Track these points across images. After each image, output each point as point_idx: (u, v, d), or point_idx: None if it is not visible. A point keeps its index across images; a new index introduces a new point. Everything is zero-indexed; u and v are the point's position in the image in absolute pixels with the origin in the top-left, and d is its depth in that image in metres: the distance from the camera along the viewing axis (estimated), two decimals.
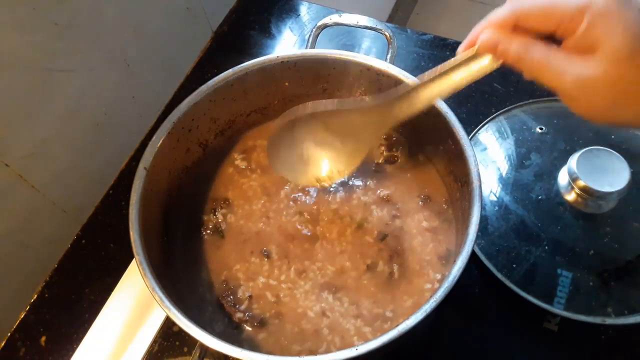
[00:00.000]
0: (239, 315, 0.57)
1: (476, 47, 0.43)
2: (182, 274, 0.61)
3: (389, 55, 0.68)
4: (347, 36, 0.87)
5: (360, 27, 0.69)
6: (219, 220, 0.64)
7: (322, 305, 0.57)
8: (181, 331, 0.48)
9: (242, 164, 0.68)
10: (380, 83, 0.64)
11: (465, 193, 0.55)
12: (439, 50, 0.84)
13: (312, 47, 0.70)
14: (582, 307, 0.60)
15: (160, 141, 0.59)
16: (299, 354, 0.55)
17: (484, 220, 0.66)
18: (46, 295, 0.68)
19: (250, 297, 0.58)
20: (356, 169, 0.60)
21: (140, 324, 0.64)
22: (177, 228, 0.64)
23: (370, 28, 0.69)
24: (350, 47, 0.87)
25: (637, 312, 0.59)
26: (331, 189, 0.64)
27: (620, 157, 0.61)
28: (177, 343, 0.63)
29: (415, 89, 0.50)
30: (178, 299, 0.52)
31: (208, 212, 0.65)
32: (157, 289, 0.50)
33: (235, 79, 0.64)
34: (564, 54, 0.39)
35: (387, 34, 0.68)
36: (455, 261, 0.49)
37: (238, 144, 0.70)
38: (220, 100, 0.64)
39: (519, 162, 0.70)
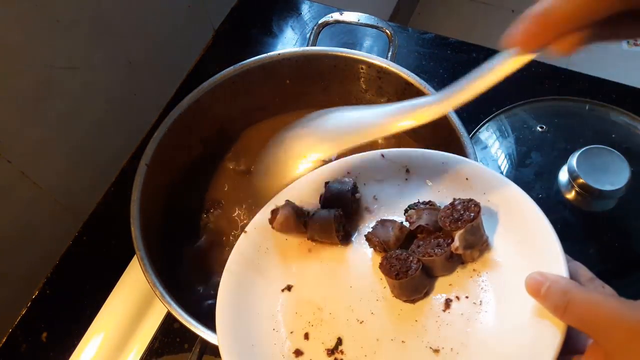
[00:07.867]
0: None
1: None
2: (183, 272, 0.61)
3: (390, 54, 0.68)
4: (349, 35, 0.87)
5: (361, 25, 0.69)
6: (212, 220, 0.64)
7: None
8: (182, 328, 0.49)
9: (240, 165, 0.68)
10: (381, 81, 0.64)
11: None
12: (440, 49, 0.84)
13: (314, 45, 0.70)
14: None
15: (162, 137, 0.60)
16: None
17: None
18: (47, 291, 0.68)
19: None
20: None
21: (141, 320, 0.64)
22: (178, 225, 0.64)
23: (372, 26, 0.69)
24: (352, 46, 0.87)
25: None
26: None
27: (621, 155, 0.61)
28: (178, 340, 0.64)
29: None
30: (179, 295, 0.52)
31: (206, 211, 0.65)
32: (158, 284, 0.50)
33: (237, 77, 0.64)
34: None
35: (388, 31, 0.68)
36: None
37: (239, 142, 0.70)
38: (221, 97, 0.64)
39: (520, 160, 0.70)
